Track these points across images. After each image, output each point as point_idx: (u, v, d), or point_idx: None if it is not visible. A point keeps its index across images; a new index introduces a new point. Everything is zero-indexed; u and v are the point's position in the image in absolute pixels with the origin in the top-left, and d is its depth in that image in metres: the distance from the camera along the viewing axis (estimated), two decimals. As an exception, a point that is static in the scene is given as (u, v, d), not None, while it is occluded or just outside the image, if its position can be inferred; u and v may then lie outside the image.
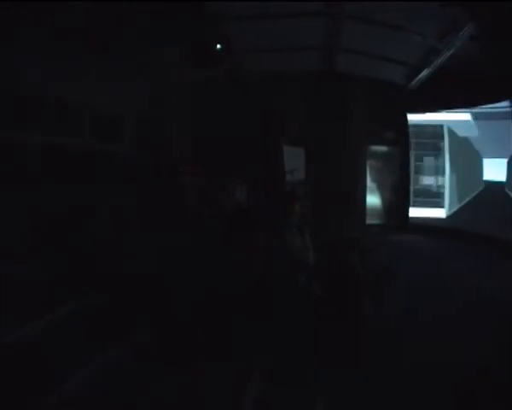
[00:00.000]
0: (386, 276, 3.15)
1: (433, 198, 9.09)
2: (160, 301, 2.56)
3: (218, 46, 4.75)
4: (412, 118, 8.02)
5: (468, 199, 10.37)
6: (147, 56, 4.48)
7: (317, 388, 2.03)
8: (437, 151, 9.22)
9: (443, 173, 9.26)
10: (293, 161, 6.43)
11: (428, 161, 9.26)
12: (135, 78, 4.43)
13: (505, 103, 6.74)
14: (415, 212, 8.47)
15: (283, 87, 6.42)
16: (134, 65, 4.38)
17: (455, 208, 9.80)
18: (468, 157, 10.59)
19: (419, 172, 9.40)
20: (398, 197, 7.75)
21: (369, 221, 7.45)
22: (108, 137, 4.08)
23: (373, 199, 7.83)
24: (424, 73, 6.20)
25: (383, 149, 7.86)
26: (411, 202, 8.38)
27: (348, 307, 2.73)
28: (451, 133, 9.76)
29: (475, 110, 8.80)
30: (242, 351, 2.21)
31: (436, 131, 9.26)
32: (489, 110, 8.48)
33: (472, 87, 6.25)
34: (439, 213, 9.05)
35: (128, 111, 4.29)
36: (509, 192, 9.98)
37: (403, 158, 7.73)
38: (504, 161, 10.45)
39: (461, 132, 10.43)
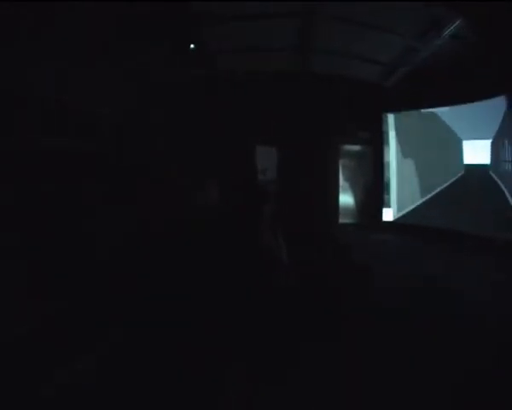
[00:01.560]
0: (368, 273, 3.37)
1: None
2: (135, 302, 2.59)
3: (192, 46, 4.86)
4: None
5: (439, 189, 8.84)
6: (128, 56, 4.45)
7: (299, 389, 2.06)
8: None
9: (387, 159, 7.80)
10: (267, 160, 6.65)
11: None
12: (113, 77, 4.40)
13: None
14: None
15: (257, 87, 6.56)
16: (113, 64, 4.36)
17: (413, 205, 8.00)
18: (437, 138, 9.07)
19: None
20: (372, 196, 8.01)
21: (342, 220, 7.70)
22: (86, 136, 3.99)
23: (347, 198, 8.00)
24: (401, 71, 6.42)
25: (357, 148, 8.06)
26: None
27: (327, 303, 2.79)
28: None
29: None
30: (224, 349, 2.24)
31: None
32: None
33: (452, 85, 6.44)
34: (384, 214, 7.62)
35: (105, 110, 4.24)
36: (494, 175, 9.41)
37: (377, 157, 7.97)
38: (488, 143, 9.88)
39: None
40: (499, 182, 9.07)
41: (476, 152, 10.02)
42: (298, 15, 4.60)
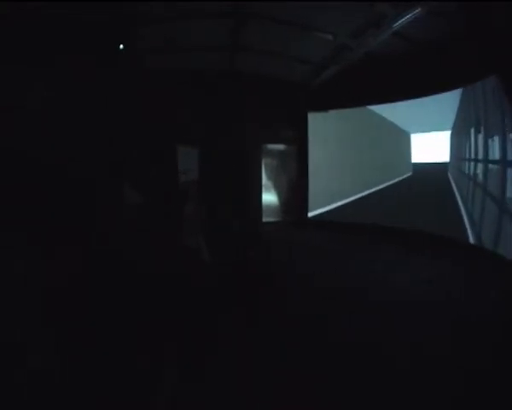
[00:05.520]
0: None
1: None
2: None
3: (121, 46, 4.73)
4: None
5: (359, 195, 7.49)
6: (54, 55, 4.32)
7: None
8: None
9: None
10: (188, 160, 6.47)
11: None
12: (39, 76, 4.24)
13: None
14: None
15: (180, 86, 6.33)
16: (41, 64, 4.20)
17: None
18: (368, 135, 7.79)
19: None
20: (297, 194, 7.77)
21: (266, 218, 7.46)
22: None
23: (271, 197, 7.83)
24: (331, 70, 6.05)
25: (281, 147, 7.83)
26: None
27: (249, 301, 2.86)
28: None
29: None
30: (145, 349, 2.22)
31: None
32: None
33: (384, 83, 6.26)
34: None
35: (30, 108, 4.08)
36: (451, 177, 7.19)
37: (301, 156, 7.74)
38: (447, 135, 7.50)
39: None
40: (454, 187, 6.97)
41: (437, 146, 7.88)
42: (227, 15, 4.49)
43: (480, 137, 6.12)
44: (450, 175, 7.25)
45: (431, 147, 7.91)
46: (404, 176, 7.89)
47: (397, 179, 8.20)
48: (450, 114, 7.31)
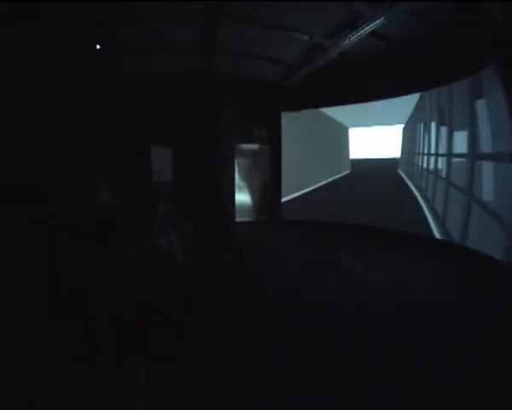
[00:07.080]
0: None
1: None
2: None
3: (98, 46, 4.84)
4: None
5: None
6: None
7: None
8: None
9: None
10: (161, 160, 6.17)
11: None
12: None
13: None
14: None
15: (153, 86, 5.97)
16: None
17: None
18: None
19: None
20: (271, 194, 7.59)
21: (239, 218, 7.18)
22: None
23: (244, 197, 7.55)
24: (305, 71, 5.98)
25: (254, 147, 7.53)
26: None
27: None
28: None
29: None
30: (119, 354, 2.15)
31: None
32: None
33: (358, 83, 6.13)
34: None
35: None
36: (403, 173, 6.75)
37: (275, 155, 7.54)
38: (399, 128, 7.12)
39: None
40: (412, 188, 6.24)
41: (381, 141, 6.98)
42: (201, 14, 4.33)
43: (455, 130, 5.50)
44: (401, 172, 6.54)
45: (374, 142, 7.04)
46: (339, 175, 6.74)
47: (328, 180, 6.88)
48: (399, 108, 6.65)
